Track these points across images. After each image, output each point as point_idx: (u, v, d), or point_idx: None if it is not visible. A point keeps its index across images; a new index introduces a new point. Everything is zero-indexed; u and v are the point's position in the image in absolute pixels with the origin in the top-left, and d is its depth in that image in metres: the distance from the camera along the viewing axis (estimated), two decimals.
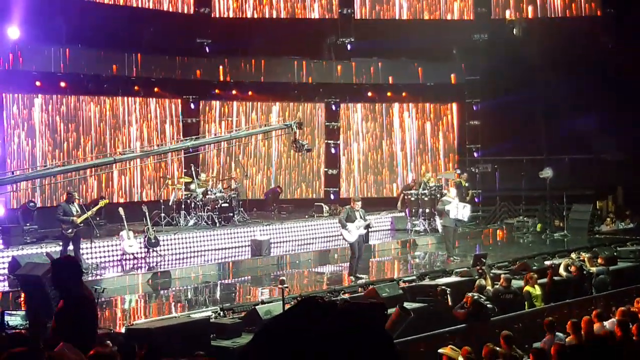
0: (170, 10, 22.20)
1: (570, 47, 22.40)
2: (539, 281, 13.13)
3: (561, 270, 14.17)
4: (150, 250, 16.88)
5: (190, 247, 17.86)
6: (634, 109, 21.57)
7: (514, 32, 23.47)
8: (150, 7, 21.73)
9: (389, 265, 18.31)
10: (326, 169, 24.82)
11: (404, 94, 24.99)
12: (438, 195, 19.71)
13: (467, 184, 21.84)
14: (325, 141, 24.84)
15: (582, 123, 21.84)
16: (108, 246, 16.54)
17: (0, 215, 17.88)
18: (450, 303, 12.07)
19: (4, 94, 19.50)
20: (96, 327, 6.15)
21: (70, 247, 14.61)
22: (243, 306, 11.99)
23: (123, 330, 10.20)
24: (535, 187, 22.16)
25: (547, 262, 15.22)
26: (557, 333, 10.00)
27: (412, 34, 23.22)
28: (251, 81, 23.26)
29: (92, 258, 15.89)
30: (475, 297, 11.39)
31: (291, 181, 24.55)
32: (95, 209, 15.48)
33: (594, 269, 14.66)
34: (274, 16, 23.69)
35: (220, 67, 22.83)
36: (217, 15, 23.11)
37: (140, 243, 16.73)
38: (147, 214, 17.20)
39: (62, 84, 20.28)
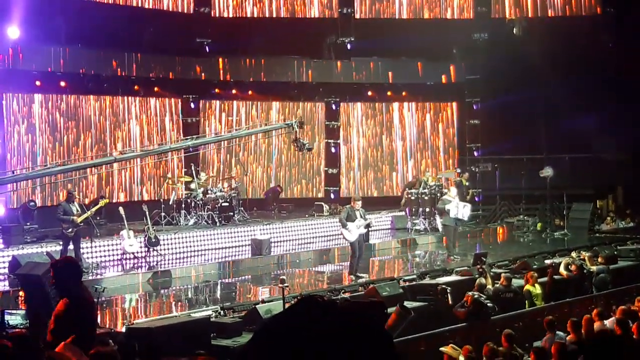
0: (170, 9, 22.17)
1: (570, 46, 22.42)
2: (540, 280, 13.13)
3: (561, 269, 14.17)
4: (151, 249, 16.89)
5: (190, 247, 17.86)
6: (634, 108, 21.55)
7: (514, 31, 23.48)
8: (150, 6, 21.70)
9: (389, 264, 18.32)
10: (326, 168, 24.81)
11: (404, 93, 24.98)
12: (438, 195, 19.71)
13: (467, 183, 21.81)
14: (325, 140, 24.82)
15: (582, 122, 21.82)
16: (108, 245, 16.53)
17: (0, 215, 17.87)
18: (450, 302, 12.08)
19: (4, 93, 19.49)
20: (95, 329, 6.14)
21: (71, 246, 14.60)
22: (243, 305, 11.99)
23: (123, 329, 10.21)
24: (536, 186, 22.16)
25: (548, 261, 15.22)
26: (557, 332, 10.02)
27: (412, 33, 23.18)
28: (251, 80, 23.26)
29: (92, 257, 15.89)
30: (476, 296, 11.39)
31: (291, 178, 24.53)
32: (95, 208, 15.51)
33: (594, 268, 14.68)
34: (274, 15, 23.65)
35: (220, 66, 22.83)
36: (217, 15, 23.08)
37: (141, 242, 16.72)
38: (147, 213, 17.19)
39: (62, 84, 20.28)
